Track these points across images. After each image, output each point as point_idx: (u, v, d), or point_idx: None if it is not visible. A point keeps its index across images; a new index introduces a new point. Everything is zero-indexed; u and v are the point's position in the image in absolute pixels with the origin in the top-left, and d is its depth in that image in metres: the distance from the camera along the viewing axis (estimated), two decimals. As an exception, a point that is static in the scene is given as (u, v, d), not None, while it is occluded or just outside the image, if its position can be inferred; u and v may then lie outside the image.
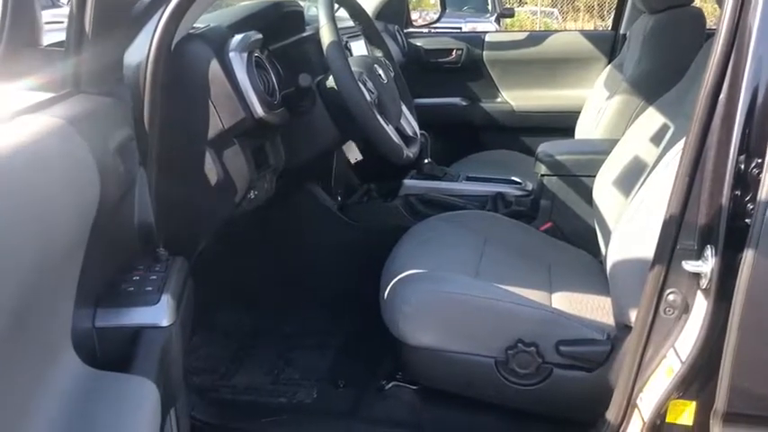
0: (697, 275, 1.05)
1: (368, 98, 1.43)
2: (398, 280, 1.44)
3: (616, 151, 1.69)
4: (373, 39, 1.76)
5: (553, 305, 1.41)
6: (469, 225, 1.75)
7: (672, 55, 2.01)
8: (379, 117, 1.45)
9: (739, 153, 0.98)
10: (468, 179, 2.10)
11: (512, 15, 9.11)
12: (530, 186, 2.02)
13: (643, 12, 2.30)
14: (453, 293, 1.37)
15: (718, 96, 1.00)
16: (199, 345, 1.77)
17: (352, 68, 1.44)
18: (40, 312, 0.65)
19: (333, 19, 1.41)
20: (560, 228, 1.88)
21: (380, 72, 1.55)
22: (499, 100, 2.83)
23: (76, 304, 0.73)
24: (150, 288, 0.85)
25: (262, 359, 1.76)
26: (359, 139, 1.70)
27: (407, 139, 1.64)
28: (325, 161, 1.83)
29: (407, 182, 2.06)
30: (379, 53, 1.74)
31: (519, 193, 2.01)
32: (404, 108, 1.70)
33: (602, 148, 1.78)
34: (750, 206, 0.97)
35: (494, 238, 1.69)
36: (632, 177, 1.50)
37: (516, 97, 2.81)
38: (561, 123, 2.59)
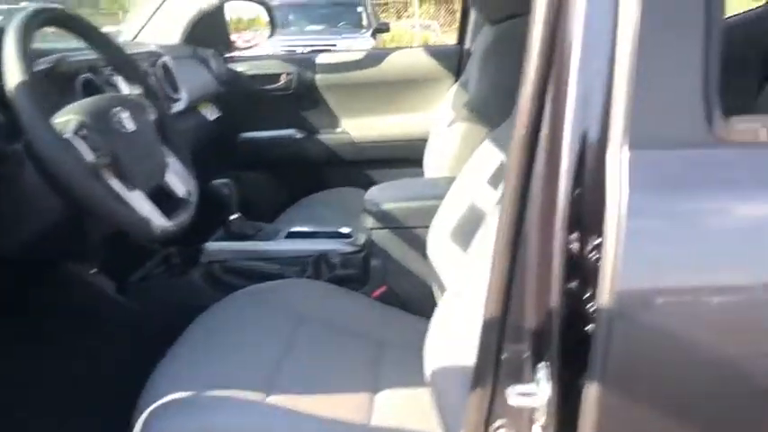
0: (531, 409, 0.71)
1: (85, 158, 1.02)
2: (155, 410, 1.02)
3: (450, 195, 1.38)
4: (125, 71, 1.32)
5: (374, 413, 1.07)
6: (282, 301, 1.38)
7: (513, 74, 1.72)
8: (105, 183, 1.04)
9: (569, 230, 0.66)
10: (290, 235, 1.70)
11: (387, 30, 8.87)
12: (362, 239, 1.65)
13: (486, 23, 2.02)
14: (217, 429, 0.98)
15: (535, 147, 0.68)
16: None
17: (69, 117, 1.03)
18: None
19: (23, 50, 0.98)
20: (395, 292, 1.53)
21: (123, 117, 1.13)
22: (339, 130, 2.45)
23: None
24: None
25: None
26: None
27: (174, 204, 1.23)
28: (84, 229, 1.37)
29: (210, 245, 1.63)
30: (137, 90, 1.31)
31: (349, 249, 1.62)
32: (172, 161, 1.29)
33: (436, 192, 1.45)
34: (590, 306, 0.65)
35: (311, 317, 1.32)
36: (470, 228, 1.19)
37: (356, 126, 2.44)
38: (409, 154, 2.26)
